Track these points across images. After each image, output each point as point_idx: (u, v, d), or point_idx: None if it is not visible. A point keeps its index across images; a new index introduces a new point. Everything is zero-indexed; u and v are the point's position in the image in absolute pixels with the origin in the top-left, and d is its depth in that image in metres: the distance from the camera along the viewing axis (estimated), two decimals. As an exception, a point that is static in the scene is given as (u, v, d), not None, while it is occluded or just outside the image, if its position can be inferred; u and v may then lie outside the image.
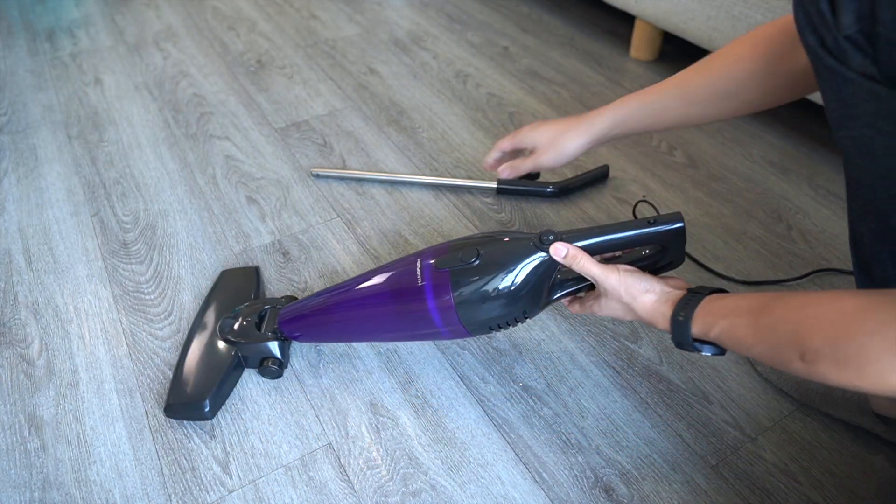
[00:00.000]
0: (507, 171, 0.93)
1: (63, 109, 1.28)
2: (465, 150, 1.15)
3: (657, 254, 0.67)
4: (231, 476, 0.69)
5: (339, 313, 0.74)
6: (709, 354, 0.57)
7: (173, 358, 0.80)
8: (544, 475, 0.69)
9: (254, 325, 0.77)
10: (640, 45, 1.41)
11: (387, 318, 0.71)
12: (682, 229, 0.64)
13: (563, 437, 0.72)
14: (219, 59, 1.44)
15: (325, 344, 0.82)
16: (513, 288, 0.65)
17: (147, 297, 0.89)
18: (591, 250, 0.65)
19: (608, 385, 0.77)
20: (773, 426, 0.72)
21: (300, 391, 0.77)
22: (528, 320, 0.70)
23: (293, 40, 1.51)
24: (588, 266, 0.63)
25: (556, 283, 0.69)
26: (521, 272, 0.65)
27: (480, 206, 1.03)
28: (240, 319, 0.78)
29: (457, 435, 0.72)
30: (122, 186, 1.08)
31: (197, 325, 0.81)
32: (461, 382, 0.78)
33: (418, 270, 0.69)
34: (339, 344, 0.82)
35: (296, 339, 0.78)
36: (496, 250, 0.67)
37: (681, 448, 0.71)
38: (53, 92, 1.33)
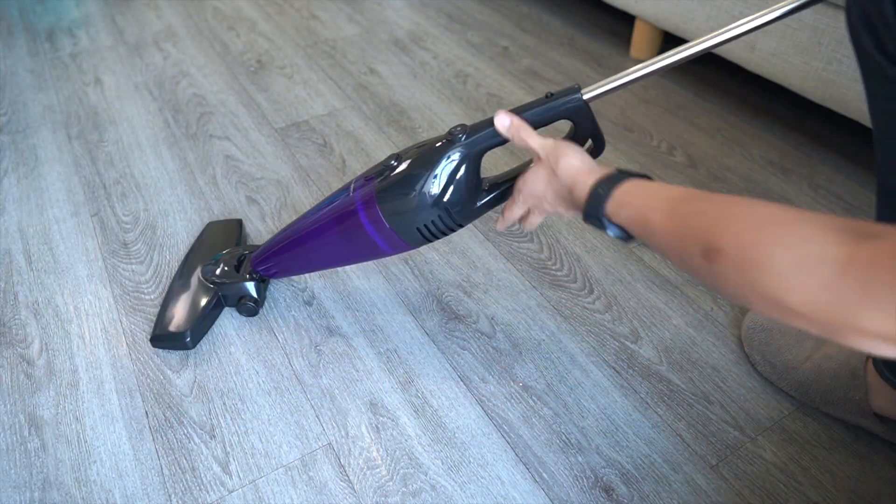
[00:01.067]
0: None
1: (63, 109, 1.28)
2: (465, 150, 1.15)
3: (572, 135, 0.67)
4: (231, 476, 0.69)
5: (299, 245, 0.79)
6: (611, 235, 0.55)
7: (173, 358, 0.80)
8: (544, 475, 0.69)
9: (233, 268, 0.85)
10: (640, 45, 1.41)
11: (334, 241, 0.76)
12: (581, 100, 0.64)
13: (563, 437, 0.72)
14: (219, 59, 1.44)
15: (325, 343, 0.82)
16: (435, 187, 0.66)
17: (147, 297, 0.89)
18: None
19: (608, 385, 0.77)
20: (773, 426, 0.72)
21: (300, 391, 0.77)
22: (461, 228, 0.71)
23: (293, 40, 1.51)
24: (528, 136, 0.62)
25: (482, 191, 0.70)
26: (440, 169, 0.66)
27: (480, 206, 1.03)
28: (221, 263, 0.86)
29: (457, 435, 0.72)
30: (122, 186, 1.08)
31: (182, 268, 0.88)
32: (461, 382, 0.78)
33: (351, 186, 0.73)
34: (340, 344, 0.82)
35: (272, 276, 0.85)
36: (414, 153, 0.69)
37: (681, 448, 0.71)
38: (53, 92, 1.33)
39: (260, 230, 0.99)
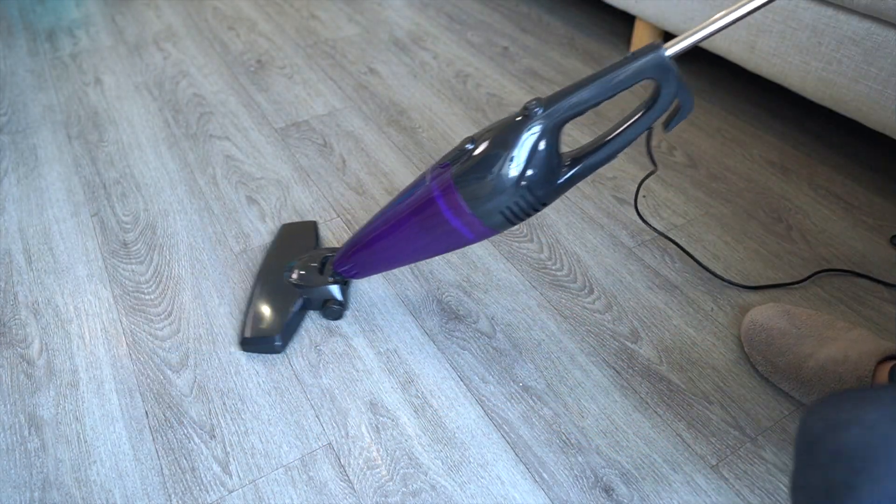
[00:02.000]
0: None
1: (63, 109, 1.28)
2: (465, 150, 1.15)
3: (656, 96, 0.62)
4: (231, 476, 0.69)
5: (379, 243, 0.77)
6: None
7: (173, 358, 0.80)
8: (544, 475, 0.69)
9: (317, 271, 0.84)
10: (641, 45, 1.41)
11: (414, 234, 0.73)
12: (664, 56, 0.59)
13: (563, 437, 0.72)
14: (219, 59, 1.44)
15: (326, 343, 0.82)
16: (514, 167, 0.64)
17: (147, 297, 0.89)
18: (583, 102, 0.62)
19: (608, 385, 0.77)
20: (773, 426, 0.72)
21: (300, 391, 0.77)
22: (545, 207, 0.67)
23: (293, 40, 1.51)
24: None
25: (564, 166, 0.66)
26: (518, 148, 0.63)
27: (480, 206, 1.03)
28: (305, 266, 0.85)
29: (457, 435, 0.72)
30: (122, 186, 1.08)
31: (264, 271, 0.88)
32: (461, 382, 0.78)
33: (427, 176, 0.71)
34: (340, 344, 0.82)
35: (353, 276, 0.83)
36: (489, 133, 0.66)
37: (681, 448, 0.71)
38: (53, 92, 1.33)
39: (260, 230, 0.99)
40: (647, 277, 0.90)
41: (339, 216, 1.02)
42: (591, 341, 0.82)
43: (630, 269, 0.92)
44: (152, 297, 0.89)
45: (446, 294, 0.88)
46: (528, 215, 0.67)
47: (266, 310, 0.82)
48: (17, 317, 0.86)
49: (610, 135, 0.66)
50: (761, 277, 0.90)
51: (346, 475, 0.69)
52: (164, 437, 0.72)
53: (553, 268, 0.92)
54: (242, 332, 0.81)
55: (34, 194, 1.07)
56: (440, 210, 0.69)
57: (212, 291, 0.89)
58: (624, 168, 1.10)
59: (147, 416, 0.74)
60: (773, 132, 1.19)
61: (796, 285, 0.89)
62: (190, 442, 0.72)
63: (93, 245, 0.97)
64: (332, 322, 0.85)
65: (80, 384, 0.78)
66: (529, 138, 0.63)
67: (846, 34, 0.98)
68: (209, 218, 1.01)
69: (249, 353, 0.81)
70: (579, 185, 1.06)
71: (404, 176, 1.09)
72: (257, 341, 0.80)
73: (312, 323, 0.84)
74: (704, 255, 0.94)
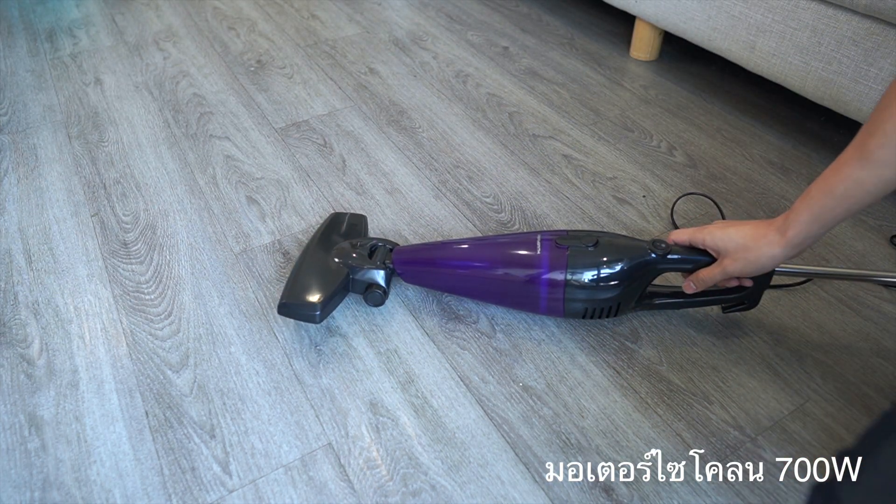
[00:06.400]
0: (693, 284, 0.77)
1: (63, 109, 1.28)
2: (464, 150, 1.15)
3: (741, 292, 0.77)
4: (231, 476, 0.69)
5: (452, 268, 0.83)
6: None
7: (173, 358, 0.80)
8: (544, 475, 0.68)
9: (367, 255, 0.86)
10: (640, 45, 1.41)
11: (496, 280, 0.80)
12: (768, 274, 0.73)
13: (563, 437, 0.72)
14: (219, 59, 1.44)
15: (325, 343, 0.82)
16: (617, 280, 0.74)
17: (147, 297, 0.89)
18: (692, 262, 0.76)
19: (608, 385, 0.77)
20: (773, 426, 0.72)
21: (300, 391, 0.77)
22: (617, 315, 0.79)
23: (293, 40, 1.51)
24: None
25: (654, 293, 0.79)
26: (629, 267, 0.74)
27: (480, 206, 1.03)
28: (355, 247, 0.87)
29: (457, 435, 0.72)
30: (122, 186, 1.08)
31: (312, 245, 0.89)
32: (461, 382, 0.78)
33: (538, 243, 0.77)
34: (340, 344, 0.82)
35: (400, 275, 0.86)
36: (613, 243, 0.76)
37: (681, 448, 0.71)
38: (54, 92, 1.33)
39: (260, 230, 0.99)
40: (647, 277, 0.90)
41: (339, 216, 1.02)
42: (591, 341, 0.82)
43: (630, 269, 0.92)
44: (152, 297, 0.89)
45: (446, 294, 0.88)
46: (600, 317, 0.79)
47: (309, 281, 0.82)
48: (17, 317, 0.86)
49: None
50: (761, 277, 0.90)
51: (346, 475, 0.69)
52: (164, 437, 0.72)
53: (553, 268, 0.92)
54: (281, 297, 0.81)
55: (34, 194, 1.07)
56: (539, 287, 0.76)
57: (212, 291, 0.89)
58: (623, 168, 1.10)
59: (147, 416, 0.74)
60: (773, 132, 1.19)
61: (798, 286, 0.89)
62: (190, 442, 0.72)
63: (93, 245, 0.97)
64: (331, 322, 0.85)
65: (80, 384, 0.78)
66: (647, 267, 0.75)
67: (846, 34, 0.98)
68: (209, 218, 1.01)
69: (249, 353, 0.81)
70: (579, 184, 1.06)
71: (404, 176, 1.09)
72: (296, 308, 0.80)
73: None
74: (704, 255, 0.94)
